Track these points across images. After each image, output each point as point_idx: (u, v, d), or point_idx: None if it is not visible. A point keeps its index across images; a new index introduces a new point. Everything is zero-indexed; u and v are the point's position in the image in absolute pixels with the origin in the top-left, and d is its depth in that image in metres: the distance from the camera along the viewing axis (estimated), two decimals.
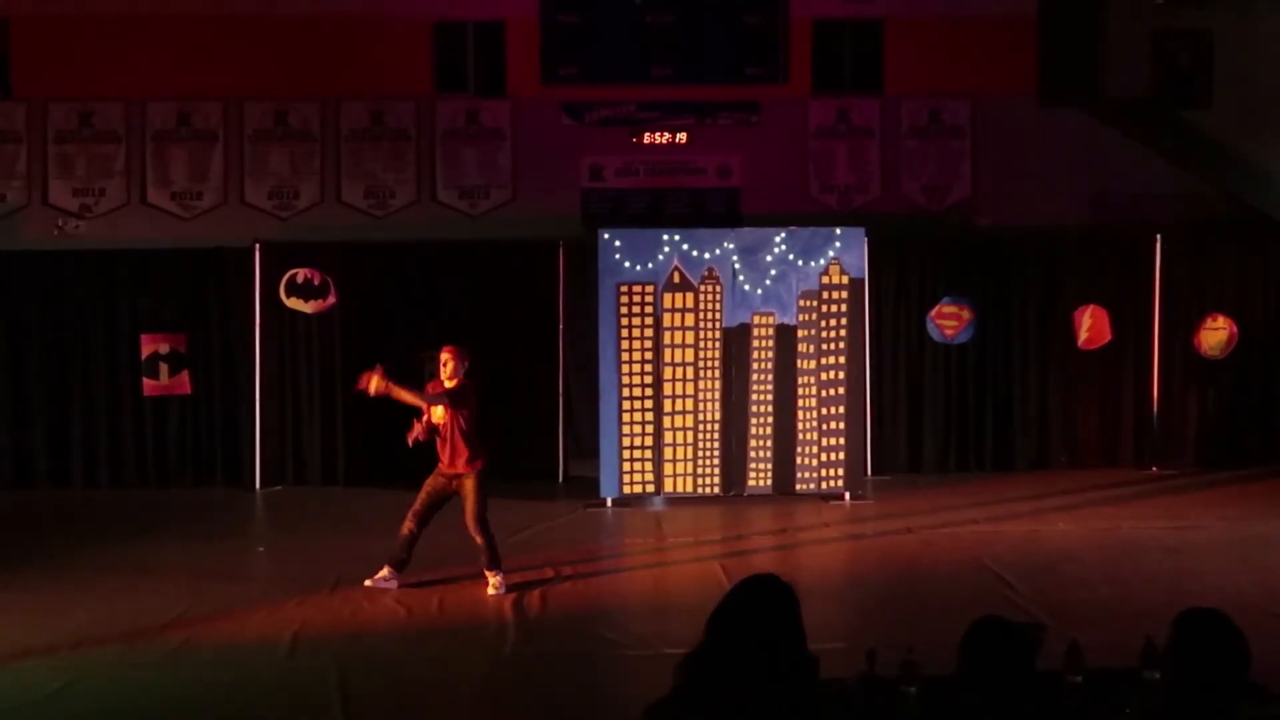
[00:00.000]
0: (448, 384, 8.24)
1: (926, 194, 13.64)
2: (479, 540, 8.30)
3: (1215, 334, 12.63)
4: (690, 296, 11.14)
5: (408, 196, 13.34)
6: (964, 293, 12.52)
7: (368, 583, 8.29)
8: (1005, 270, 12.64)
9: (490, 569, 8.36)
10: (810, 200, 13.45)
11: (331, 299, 12.14)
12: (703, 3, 13.42)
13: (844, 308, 11.22)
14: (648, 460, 11.13)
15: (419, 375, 8.52)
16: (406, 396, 8.21)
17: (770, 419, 11.20)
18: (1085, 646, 4.67)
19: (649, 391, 11.11)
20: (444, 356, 8.30)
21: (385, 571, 8.34)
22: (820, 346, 11.20)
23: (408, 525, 8.33)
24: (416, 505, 8.35)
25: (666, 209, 13.30)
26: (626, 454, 11.10)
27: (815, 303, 11.19)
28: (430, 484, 8.39)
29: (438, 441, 8.34)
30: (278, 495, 11.95)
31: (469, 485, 8.27)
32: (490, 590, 8.29)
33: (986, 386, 12.62)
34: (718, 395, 11.18)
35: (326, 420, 12.19)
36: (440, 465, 8.36)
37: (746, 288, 11.16)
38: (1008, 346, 12.65)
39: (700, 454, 11.19)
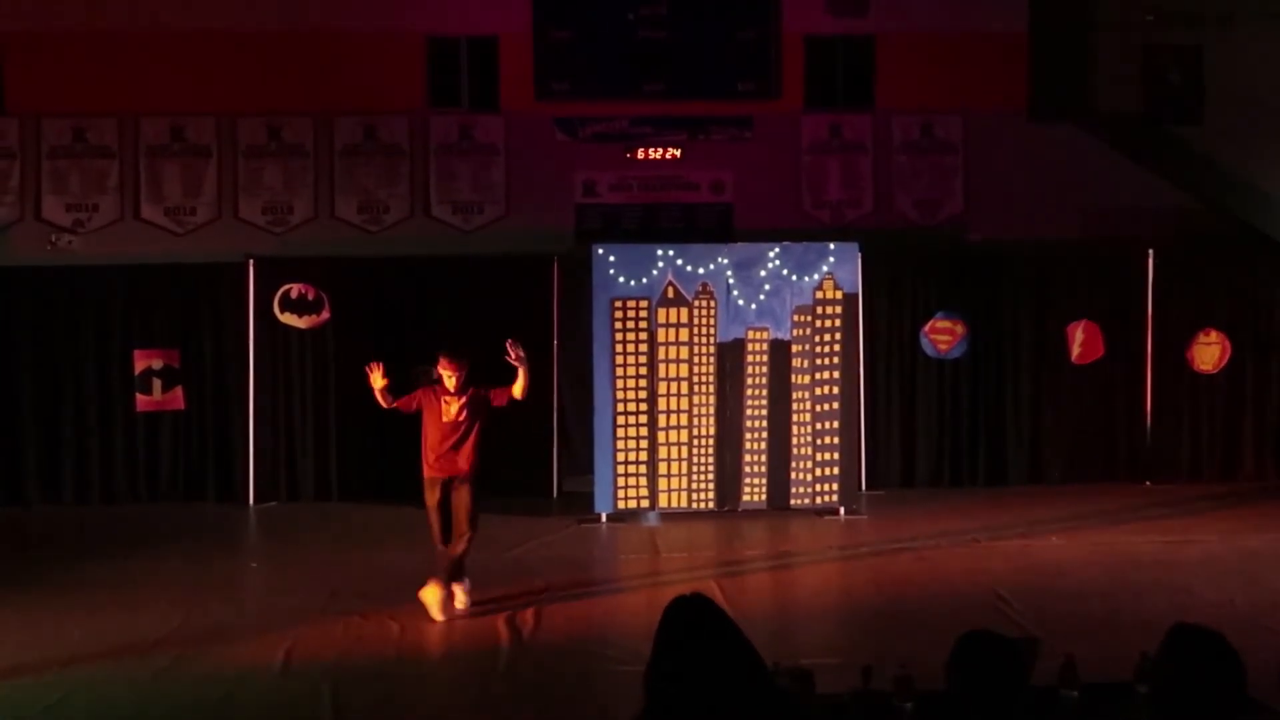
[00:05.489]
0: (451, 386, 8.09)
1: (919, 209, 13.66)
2: (464, 545, 8.09)
3: (1208, 349, 12.67)
4: (684, 311, 11.15)
5: (401, 212, 13.33)
6: (957, 308, 12.56)
7: (459, 608, 8.08)
8: (998, 285, 12.68)
9: (457, 580, 8.18)
10: (803, 215, 13.47)
11: (325, 314, 12.14)
12: (695, 19, 13.44)
13: (838, 323, 11.24)
14: (642, 475, 11.12)
15: (413, 388, 8.40)
16: (522, 380, 8.19)
17: (765, 434, 11.21)
18: (1080, 661, 4.68)
19: (643, 406, 11.11)
20: (446, 371, 8.11)
21: (456, 589, 8.13)
22: (814, 361, 11.22)
23: (441, 545, 8.14)
24: (439, 527, 8.14)
25: (660, 224, 13.30)
26: (621, 469, 11.09)
27: (809, 318, 11.20)
28: (434, 498, 8.16)
29: (438, 442, 8.10)
30: (271, 511, 11.93)
31: (469, 489, 8.14)
32: (459, 605, 8.13)
33: (980, 401, 12.65)
34: (712, 410, 11.18)
35: (320, 436, 12.18)
36: (437, 472, 8.15)
37: (740, 303, 11.17)
38: (1001, 361, 12.68)
39: (695, 469, 11.18)
